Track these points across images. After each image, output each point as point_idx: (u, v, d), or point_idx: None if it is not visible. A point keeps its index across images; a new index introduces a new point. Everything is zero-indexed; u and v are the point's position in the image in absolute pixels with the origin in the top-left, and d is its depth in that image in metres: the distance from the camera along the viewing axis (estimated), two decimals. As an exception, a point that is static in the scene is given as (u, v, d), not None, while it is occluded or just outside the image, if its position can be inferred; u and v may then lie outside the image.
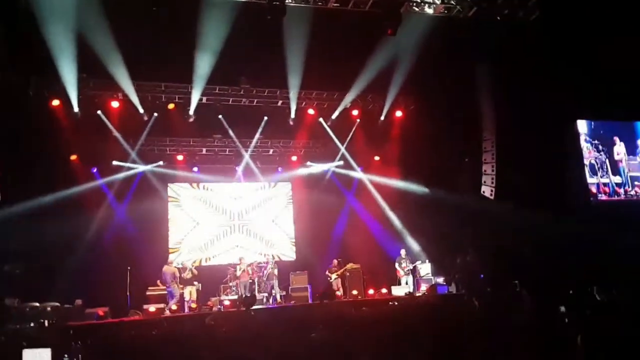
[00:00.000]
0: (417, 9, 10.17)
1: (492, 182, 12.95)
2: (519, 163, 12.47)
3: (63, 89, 11.45)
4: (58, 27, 9.31)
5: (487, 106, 12.99)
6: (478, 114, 13.05)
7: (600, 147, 13.97)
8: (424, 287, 12.88)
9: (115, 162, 13.88)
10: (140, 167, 14.27)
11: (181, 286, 12.33)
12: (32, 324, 8.84)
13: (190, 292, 12.35)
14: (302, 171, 16.06)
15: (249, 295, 11.77)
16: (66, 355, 4.82)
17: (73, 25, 9.35)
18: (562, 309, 5.64)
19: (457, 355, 3.39)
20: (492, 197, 12.85)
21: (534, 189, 12.37)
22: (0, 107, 8.70)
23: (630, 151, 14.20)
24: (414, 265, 13.59)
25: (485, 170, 13.20)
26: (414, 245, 14.53)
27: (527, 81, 11.91)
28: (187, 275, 12.40)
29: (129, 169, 14.12)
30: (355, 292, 12.98)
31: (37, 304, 9.69)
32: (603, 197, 13.63)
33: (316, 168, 16.02)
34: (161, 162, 14.58)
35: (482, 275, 12.25)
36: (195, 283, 12.58)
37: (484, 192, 13.09)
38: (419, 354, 3.24)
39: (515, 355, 3.45)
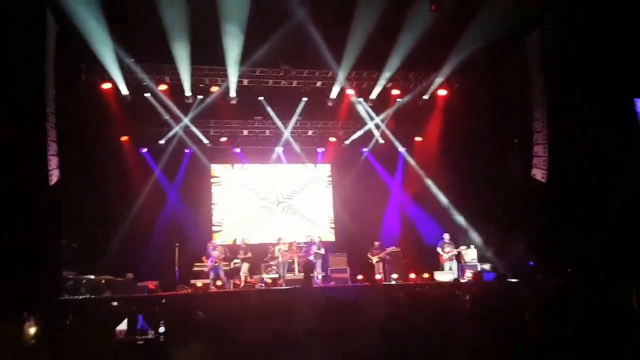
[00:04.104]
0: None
1: (544, 165, 12.31)
2: (573, 143, 11.82)
3: (110, 75, 12.04)
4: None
5: (537, 82, 12.36)
6: (528, 91, 12.44)
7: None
8: (469, 274, 12.37)
9: (162, 141, 14.48)
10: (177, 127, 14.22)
11: (237, 262, 12.88)
12: (87, 296, 9.46)
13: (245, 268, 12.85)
14: (342, 152, 16.07)
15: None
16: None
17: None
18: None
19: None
20: (543, 180, 12.25)
21: (589, 170, 11.73)
22: (56, 94, 9.21)
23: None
24: (458, 250, 13.07)
25: (536, 152, 12.56)
26: (463, 229, 14.14)
27: (582, 53, 11.22)
28: (243, 255, 12.93)
29: (177, 148, 14.70)
30: (395, 275, 12.72)
31: (93, 277, 10.34)
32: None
33: (354, 145, 15.86)
34: (206, 141, 15.02)
35: (531, 262, 11.77)
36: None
37: (534, 174, 12.49)
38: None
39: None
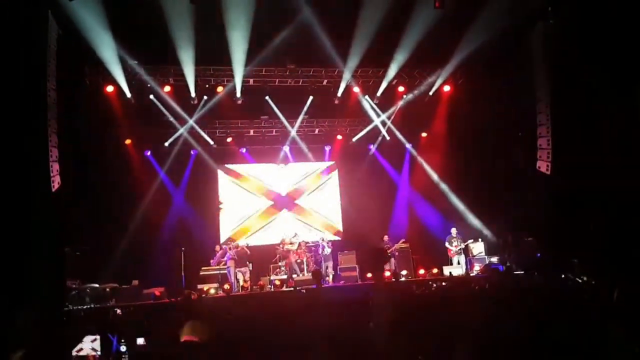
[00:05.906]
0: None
1: (549, 157, 12.18)
2: (578, 135, 11.64)
3: (114, 77, 11.86)
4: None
5: (541, 75, 12.19)
6: (532, 84, 12.26)
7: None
8: (477, 267, 12.55)
9: (166, 144, 14.32)
10: (182, 129, 14.00)
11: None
12: (92, 305, 9.27)
13: (243, 273, 12.67)
14: (348, 150, 15.98)
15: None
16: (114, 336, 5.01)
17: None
18: None
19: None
20: (548, 173, 12.12)
21: (596, 161, 11.53)
22: (58, 97, 9.04)
23: None
24: (465, 244, 13.19)
25: (540, 145, 12.43)
26: (472, 223, 14.10)
27: (585, 45, 11.01)
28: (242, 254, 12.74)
29: (182, 150, 14.53)
30: (404, 272, 12.74)
31: (97, 285, 10.16)
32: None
33: (361, 142, 15.82)
34: (212, 142, 14.87)
35: (538, 255, 11.71)
36: (248, 263, 12.88)
37: (539, 167, 12.37)
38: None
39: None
